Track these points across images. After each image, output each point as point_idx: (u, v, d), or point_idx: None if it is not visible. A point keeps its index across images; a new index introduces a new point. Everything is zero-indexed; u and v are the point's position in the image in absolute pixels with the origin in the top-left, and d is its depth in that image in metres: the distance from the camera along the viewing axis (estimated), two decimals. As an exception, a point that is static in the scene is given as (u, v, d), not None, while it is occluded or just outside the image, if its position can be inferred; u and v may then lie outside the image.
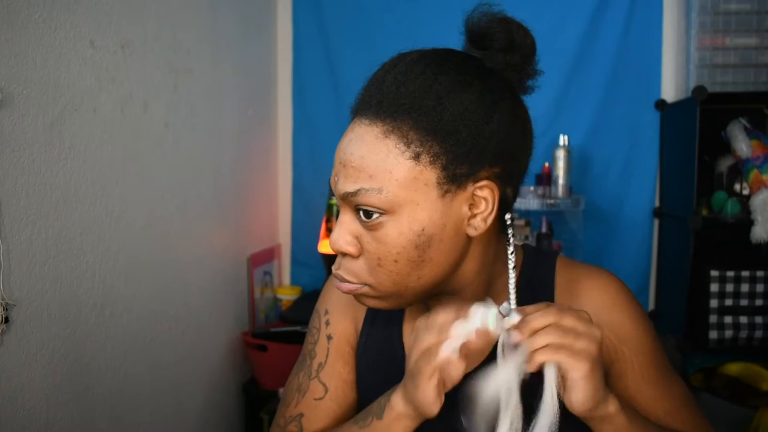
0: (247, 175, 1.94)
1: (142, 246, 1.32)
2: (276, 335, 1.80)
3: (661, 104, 2.00)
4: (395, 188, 0.62)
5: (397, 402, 0.66)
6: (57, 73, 1.05)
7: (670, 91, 2.01)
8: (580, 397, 0.58)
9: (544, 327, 0.59)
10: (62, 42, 1.06)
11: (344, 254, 0.67)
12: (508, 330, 0.60)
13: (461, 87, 0.63)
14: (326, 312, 0.83)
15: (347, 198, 0.64)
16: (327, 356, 0.80)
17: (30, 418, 0.99)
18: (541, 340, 0.58)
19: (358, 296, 0.68)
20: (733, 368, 1.70)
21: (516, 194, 0.70)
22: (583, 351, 0.58)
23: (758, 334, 1.71)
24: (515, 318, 0.61)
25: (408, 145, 0.61)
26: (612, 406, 0.61)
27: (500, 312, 0.62)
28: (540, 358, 0.58)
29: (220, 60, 1.71)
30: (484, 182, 0.64)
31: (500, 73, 0.67)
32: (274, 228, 2.22)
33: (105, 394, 1.19)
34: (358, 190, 0.62)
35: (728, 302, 1.72)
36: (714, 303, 1.72)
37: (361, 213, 0.64)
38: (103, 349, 1.19)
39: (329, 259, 2.03)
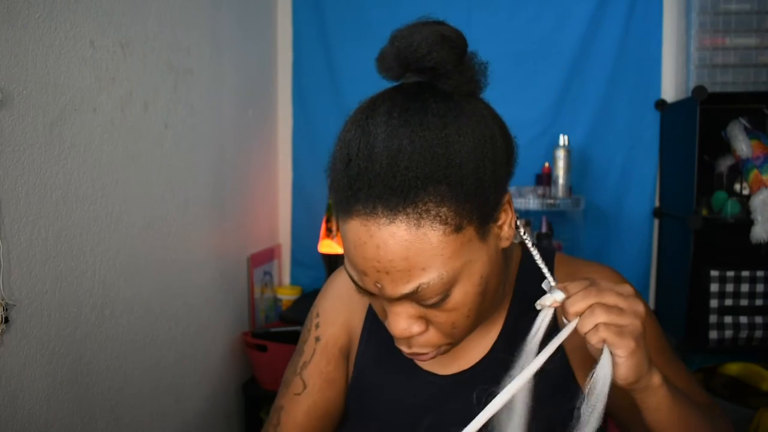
0: (247, 175, 1.94)
1: (142, 246, 1.32)
2: (276, 335, 1.80)
3: (661, 104, 2.00)
4: (451, 264, 0.58)
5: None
6: (57, 73, 1.05)
7: (670, 91, 2.01)
8: (622, 373, 0.58)
9: (588, 307, 0.58)
10: (62, 42, 1.06)
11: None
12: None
13: (454, 133, 0.58)
14: (317, 315, 0.85)
15: (406, 297, 0.60)
16: (312, 356, 0.82)
17: (30, 418, 0.99)
18: (589, 321, 0.57)
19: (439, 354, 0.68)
20: (733, 368, 1.70)
21: None
22: (628, 328, 0.57)
23: (758, 334, 1.71)
24: (558, 295, 0.61)
25: (444, 222, 0.57)
26: (656, 378, 0.60)
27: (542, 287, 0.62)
28: (593, 339, 0.57)
29: (220, 60, 1.71)
30: (503, 199, 0.64)
31: (464, 90, 0.63)
32: (274, 228, 2.22)
33: (105, 394, 1.19)
34: (417, 287, 0.58)
35: (728, 302, 1.72)
36: (714, 303, 1.72)
37: (424, 303, 0.60)
38: (103, 349, 1.19)
39: (329, 259, 2.03)
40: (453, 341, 0.65)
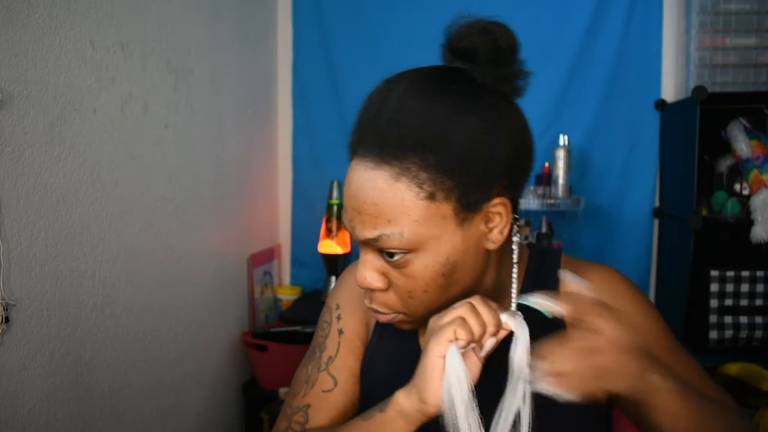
0: (247, 175, 1.95)
1: (142, 246, 1.32)
2: (276, 335, 1.80)
3: (661, 104, 2.00)
4: (415, 228, 0.62)
5: (400, 396, 0.67)
6: (57, 73, 1.05)
7: (670, 91, 2.01)
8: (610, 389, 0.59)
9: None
10: (62, 42, 1.07)
11: (373, 290, 0.68)
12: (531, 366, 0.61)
13: (461, 115, 0.61)
14: (338, 307, 0.84)
15: (369, 243, 0.64)
16: (338, 350, 0.81)
17: (30, 418, 0.99)
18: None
19: (395, 323, 0.70)
20: (733, 368, 1.70)
21: (521, 194, 0.70)
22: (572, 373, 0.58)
23: (758, 334, 1.71)
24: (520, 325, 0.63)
25: (420, 185, 0.61)
26: (655, 380, 0.60)
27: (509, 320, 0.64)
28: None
29: (220, 60, 1.71)
30: (497, 199, 0.64)
31: (491, 83, 0.65)
32: (274, 228, 2.22)
33: (105, 393, 1.19)
34: (379, 236, 0.63)
35: (728, 302, 1.72)
36: (714, 303, 1.72)
37: (385, 253, 0.64)
38: (103, 349, 1.19)
39: (329, 259, 2.03)
40: (409, 313, 0.67)
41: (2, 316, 0.93)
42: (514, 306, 0.68)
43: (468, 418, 0.60)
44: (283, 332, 1.82)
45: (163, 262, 1.41)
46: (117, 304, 1.23)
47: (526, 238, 1.92)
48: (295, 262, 2.27)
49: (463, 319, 0.62)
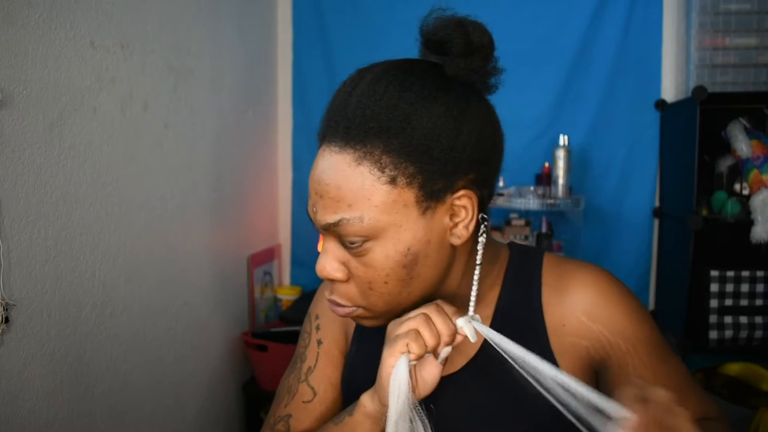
0: (247, 175, 1.94)
1: (142, 246, 1.32)
2: (276, 335, 1.81)
3: (661, 104, 2.00)
4: (376, 214, 0.61)
5: (365, 399, 0.68)
6: (57, 73, 1.05)
7: (670, 91, 2.01)
8: None
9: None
10: (62, 42, 1.07)
11: (333, 280, 0.67)
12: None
13: (427, 102, 0.62)
14: (317, 317, 0.85)
15: (329, 228, 0.64)
16: (317, 360, 0.82)
17: (30, 418, 0.99)
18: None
19: (354, 318, 0.69)
20: (733, 368, 1.70)
21: (492, 193, 0.69)
22: None
23: (758, 334, 1.71)
24: (479, 328, 0.63)
25: (382, 169, 0.61)
26: None
27: (465, 325, 0.64)
28: None
29: (220, 60, 1.71)
30: (461, 192, 0.64)
31: (462, 78, 0.65)
32: (274, 228, 2.22)
33: (105, 393, 1.19)
34: (339, 220, 0.62)
35: (728, 302, 1.72)
36: (714, 303, 1.72)
37: (346, 241, 0.63)
38: (103, 349, 1.19)
39: (329, 259, 2.02)
40: (369, 307, 0.66)
41: (2, 316, 0.93)
42: (471, 310, 0.67)
43: (397, 428, 0.61)
44: (283, 332, 1.82)
45: (163, 262, 1.41)
46: (117, 304, 1.23)
47: (526, 238, 1.92)
48: (295, 262, 2.27)
49: (417, 332, 0.62)
